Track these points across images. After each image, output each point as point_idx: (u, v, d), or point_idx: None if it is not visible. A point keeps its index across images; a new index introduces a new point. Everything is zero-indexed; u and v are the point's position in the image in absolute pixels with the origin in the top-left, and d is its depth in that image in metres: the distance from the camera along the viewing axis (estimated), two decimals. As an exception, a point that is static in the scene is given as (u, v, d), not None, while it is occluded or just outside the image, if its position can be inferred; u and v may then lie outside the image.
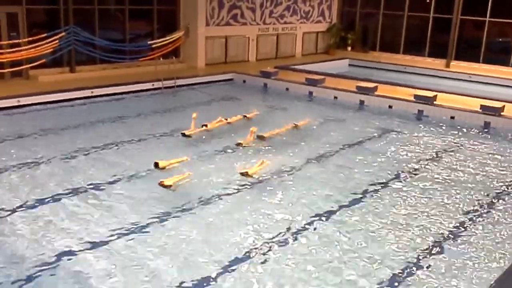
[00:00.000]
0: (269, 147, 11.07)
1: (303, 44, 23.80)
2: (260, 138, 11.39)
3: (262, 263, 6.58)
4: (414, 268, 6.62)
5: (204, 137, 11.51)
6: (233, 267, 6.45)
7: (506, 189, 9.47)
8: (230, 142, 11.15)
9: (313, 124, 13.02)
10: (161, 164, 9.36)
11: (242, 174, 9.24)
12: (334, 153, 11.03)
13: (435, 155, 11.22)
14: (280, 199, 8.52)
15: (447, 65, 22.13)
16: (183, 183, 8.70)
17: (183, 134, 11.30)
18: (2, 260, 6.38)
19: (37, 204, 7.95)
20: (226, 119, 12.41)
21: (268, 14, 21.89)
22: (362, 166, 10.29)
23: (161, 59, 17.34)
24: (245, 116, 12.97)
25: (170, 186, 8.58)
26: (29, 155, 9.93)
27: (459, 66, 21.76)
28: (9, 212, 7.60)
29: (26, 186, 8.55)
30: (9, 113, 12.86)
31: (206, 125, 11.85)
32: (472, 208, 8.56)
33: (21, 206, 7.83)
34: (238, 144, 11.00)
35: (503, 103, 14.03)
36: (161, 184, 8.59)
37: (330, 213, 8.09)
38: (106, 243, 6.89)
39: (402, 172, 10.07)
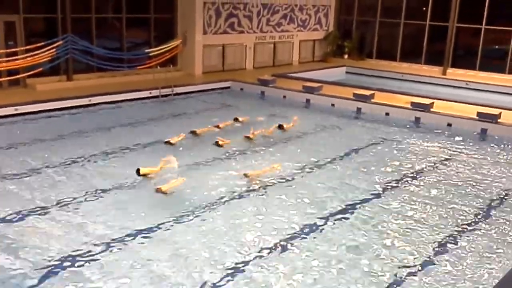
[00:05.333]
0: (263, 152, 11.19)
1: (300, 52, 23.86)
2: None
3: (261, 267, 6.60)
4: None
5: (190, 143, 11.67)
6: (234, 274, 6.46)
7: (503, 195, 9.48)
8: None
9: (301, 125, 13.22)
10: (142, 171, 9.42)
11: (245, 175, 9.48)
12: (330, 161, 11.03)
13: (432, 163, 11.23)
14: (273, 205, 8.52)
15: (444, 73, 22.22)
16: (178, 188, 8.78)
17: (167, 142, 11.36)
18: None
19: (42, 210, 7.99)
20: (218, 126, 12.69)
21: (265, 22, 21.95)
22: (358, 173, 10.29)
23: (158, 67, 17.39)
24: (236, 118, 13.28)
25: (166, 192, 8.63)
26: (29, 162, 9.95)
27: (456, 74, 21.83)
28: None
29: (28, 194, 8.58)
30: (6, 121, 12.85)
31: (195, 132, 12.08)
32: (469, 215, 8.55)
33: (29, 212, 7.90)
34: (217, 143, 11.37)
35: (500, 110, 14.06)
36: (158, 190, 8.62)
37: (322, 220, 8.10)
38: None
39: (399, 179, 10.08)
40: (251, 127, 12.34)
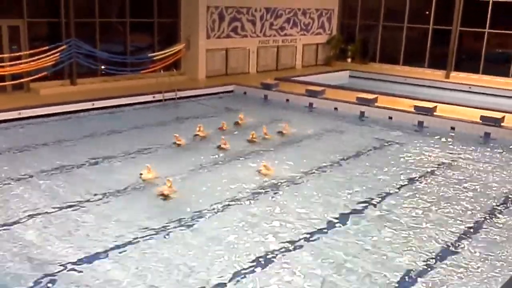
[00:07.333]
0: (265, 154, 11.23)
1: (303, 56, 23.90)
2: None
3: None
4: None
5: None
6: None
7: (506, 199, 9.45)
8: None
9: (304, 129, 13.37)
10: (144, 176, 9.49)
11: (258, 171, 9.87)
12: (333, 165, 11.02)
13: (435, 166, 11.21)
14: (273, 210, 8.53)
15: (447, 76, 22.20)
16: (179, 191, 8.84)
17: (175, 143, 11.64)
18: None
19: (46, 213, 8.00)
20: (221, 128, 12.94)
21: (268, 26, 22.01)
22: (361, 177, 10.28)
23: (162, 71, 17.45)
24: (237, 123, 13.53)
25: (169, 195, 8.68)
26: (32, 166, 9.98)
27: (459, 77, 21.82)
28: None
29: (32, 198, 8.62)
30: (10, 125, 12.90)
31: (198, 134, 12.29)
32: (472, 219, 8.53)
33: (31, 216, 7.93)
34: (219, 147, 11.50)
35: (503, 114, 14.03)
36: (160, 194, 8.67)
37: (327, 224, 8.09)
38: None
39: (402, 183, 10.06)
40: (252, 131, 12.40)
